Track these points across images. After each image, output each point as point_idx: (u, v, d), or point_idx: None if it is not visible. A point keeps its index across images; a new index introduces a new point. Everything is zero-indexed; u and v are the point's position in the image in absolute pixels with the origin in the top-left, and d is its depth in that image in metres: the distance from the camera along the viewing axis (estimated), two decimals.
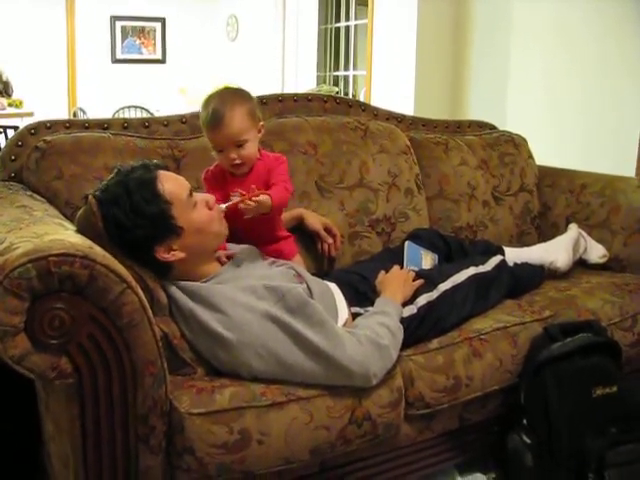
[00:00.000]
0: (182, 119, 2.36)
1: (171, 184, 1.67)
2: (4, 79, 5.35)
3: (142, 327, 1.39)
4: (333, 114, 2.61)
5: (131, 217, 1.59)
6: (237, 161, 1.91)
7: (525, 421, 1.97)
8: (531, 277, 2.40)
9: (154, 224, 1.62)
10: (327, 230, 2.26)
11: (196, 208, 1.70)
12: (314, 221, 2.25)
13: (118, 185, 1.63)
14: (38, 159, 2.01)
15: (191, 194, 1.71)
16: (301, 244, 2.22)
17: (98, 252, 1.36)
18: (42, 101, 6.18)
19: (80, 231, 1.56)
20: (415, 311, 1.94)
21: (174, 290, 1.66)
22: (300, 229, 2.25)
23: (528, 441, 1.96)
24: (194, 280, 1.70)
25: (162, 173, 1.68)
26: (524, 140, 3.08)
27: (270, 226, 2.03)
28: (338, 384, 1.66)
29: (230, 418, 1.53)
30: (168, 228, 1.64)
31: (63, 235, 1.39)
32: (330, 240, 2.25)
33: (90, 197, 1.59)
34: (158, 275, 1.67)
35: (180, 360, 1.62)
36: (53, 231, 1.43)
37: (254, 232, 1.96)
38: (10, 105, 5.17)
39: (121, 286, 1.35)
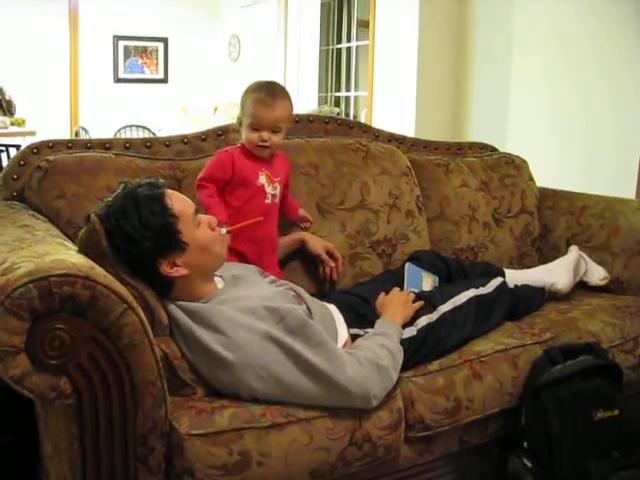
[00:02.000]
0: (184, 139, 2.38)
1: (178, 201, 1.69)
2: (7, 98, 5.38)
3: (143, 348, 1.39)
4: (334, 135, 2.62)
5: (138, 229, 1.60)
6: (267, 143, 2.07)
7: (526, 444, 1.96)
8: (532, 299, 2.39)
9: (160, 236, 1.62)
10: (329, 253, 2.26)
11: (200, 227, 1.72)
12: (316, 245, 2.26)
13: (126, 198, 1.64)
14: (40, 178, 2.02)
15: (196, 213, 1.73)
16: (302, 265, 2.22)
17: (100, 273, 1.36)
18: (44, 120, 6.21)
19: (82, 251, 1.56)
20: (415, 333, 1.94)
21: (175, 310, 1.66)
22: (301, 251, 2.26)
23: (529, 464, 1.95)
24: (194, 300, 1.70)
25: (169, 190, 1.71)
26: (525, 162, 3.09)
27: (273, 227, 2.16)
28: (338, 405, 1.65)
29: (230, 439, 1.52)
30: (173, 242, 1.65)
31: (65, 255, 1.39)
32: (332, 264, 2.27)
33: (92, 216, 1.60)
34: (160, 293, 1.67)
35: (180, 381, 1.62)
36: (55, 251, 1.44)
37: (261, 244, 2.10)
38: (12, 124, 5.19)
39: (122, 307, 1.35)
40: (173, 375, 1.60)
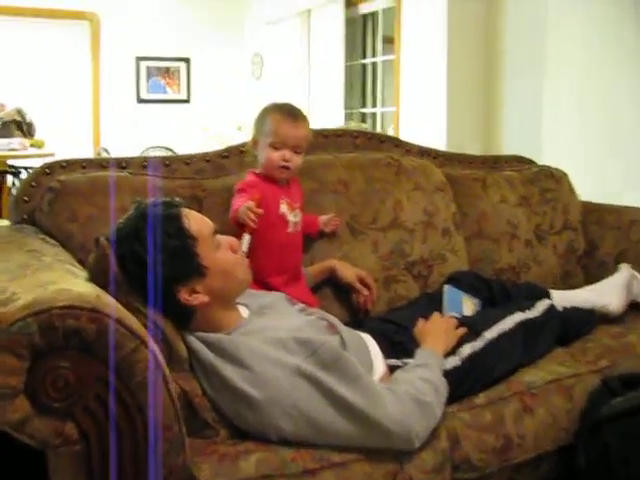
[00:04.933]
0: (205, 157, 2.25)
1: (196, 221, 1.56)
2: (27, 120, 5.32)
3: (157, 387, 1.24)
4: (364, 150, 2.47)
5: (153, 252, 1.46)
6: (288, 164, 1.97)
7: None
8: (582, 323, 2.21)
9: (177, 261, 1.49)
10: (362, 282, 2.11)
11: (220, 249, 1.58)
12: (347, 273, 2.10)
13: (139, 219, 1.51)
14: (51, 200, 1.90)
15: (215, 234, 1.59)
16: (332, 291, 2.08)
17: (108, 303, 1.21)
18: (66, 142, 6.14)
19: (91, 278, 1.42)
20: (459, 363, 1.77)
21: (194, 342, 1.52)
22: (331, 281, 2.13)
23: None
24: (216, 330, 1.55)
25: (186, 210, 1.58)
26: (565, 175, 2.92)
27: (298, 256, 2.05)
28: (376, 447, 1.49)
29: None
30: (192, 267, 1.52)
31: (70, 284, 1.25)
32: (366, 292, 2.10)
33: (101, 239, 1.46)
34: (178, 323, 1.53)
35: (201, 421, 1.46)
36: (60, 279, 1.30)
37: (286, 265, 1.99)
38: (32, 146, 5.12)
39: (134, 342, 1.20)
40: (193, 415, 1.45)
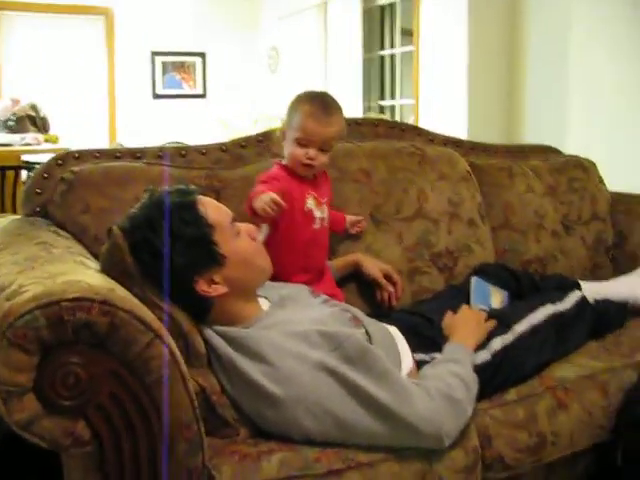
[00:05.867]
0: (222, 147, 2.17)
1: (213, 209, 1.49)
2: (42, 115, 5.27)
3: (174, 384, 1.17)
4: (385, 139, 2.39)
5: (168, 242, 1.40)
6: (313, 162, 1.84)
7: None
8: (615, 315, 2.12)
9: (194, 250, 1.42)
10: (387, 277, 2.02)
11: (240, 237, 1.51)
12: (372, 268, 2.02)
13: (153, 207, 1.44)
14: (64, 192, 1.83)
15: (234, 221, 1.52)
16: (356, 285, 2.02)
17: (121, 295, 1.14)
18: (81, 137, 6.09)
19: (104, 270, 1.35)
20: (489, 357, 1.69)
21: (213, 336, 1.45)
22: (355, 274, 2.05)
23: None
24: (235, 324, 1.48)
25: (202, 197, 1.51)
26: (593, 164, 2.83)
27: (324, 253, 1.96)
28: (405, 446, 1.41)
29: None
30: (210, 255, 1.45)
31: (81, 275, 1.18)
32: (391, 288, 2.02)
33: (114, 228, 1.39)
34: (196, 316, 1.46)
35: (220, 419, 1.39)
36: (70, 271, 1.23)
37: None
38: (46, 141, 5.07)
39: (148, 336, 1.13)
40: (212, 413, 1.38)
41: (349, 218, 2.08)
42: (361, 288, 2.05)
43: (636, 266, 2.44)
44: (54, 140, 5.23)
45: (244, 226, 1.55)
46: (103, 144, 6.78)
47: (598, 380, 1.79)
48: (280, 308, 1.56)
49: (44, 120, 5.31)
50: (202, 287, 1.44)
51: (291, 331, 1.43)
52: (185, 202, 1.45)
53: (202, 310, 1.47)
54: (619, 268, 2.63)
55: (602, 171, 2.84)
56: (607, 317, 2.08)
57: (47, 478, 1.66)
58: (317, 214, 1.90)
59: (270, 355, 1.38)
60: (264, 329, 1.45)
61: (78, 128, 6.54)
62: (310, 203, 1.88)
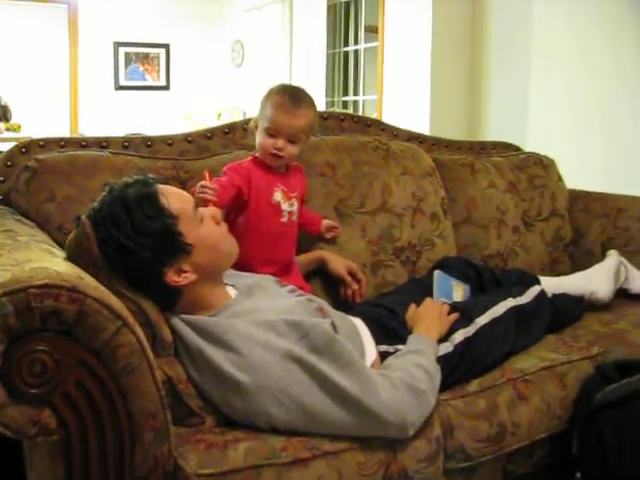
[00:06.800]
0: (188, 138, 2.17)
1: (174, 198, 1.48)
2: (2, 103, 5.18)
3: (141, 373, 1.18)
4: (350, 133, 2.40)
5: (133, 238, 1.39)
6: (281, 153, 1.87)
7: (579, 474, 1.74)
8: (571, 309, 2.18)
9: (161, 243, 1.42)
10: (351, 274, 2.04)
11: (204, 223, 1.51)
12: (337, 265, 2.04)
13: (114, 203, 1.42)
14: (28, 180, 1.80)
15: (196, 208, 1.52)
16: (321, 281, 2.04)
17: (89, 283, 1.14)
18: (43, 127, 6.01)
19: (71, 258, 1.35)
20: (451, 349, 1.72)
21: (180, 325, 1.45)
22: (320, 270, 2.07)
23: None
24: (202, 310, 1.49)
25: (162, 187, 1.49)
26: (553, 162, 2.88)
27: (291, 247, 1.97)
28: (370, 435, 1.43)
29: (245, 478, 1.30)
30: (177, 246, 1.44)
31: (48, 263, 1.18)
32: (355, 286, 2.04)
33: (83, 218, 1.38)
34: (164, 305, 1.46)
35: (186, 408, 1.40)
36: (37, 258, 1.22)
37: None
38: (8, 129, 4.99)
39: (116, 324, 1.13)
40: (178, 402, 1.38)
41: (325, 222, 2.10)
42: (326, 283, 2.07)
43: (592, 262, 2.48)
44: (16, 129, 5.16)
45: (207, 210, 1.55)
46: (65, 134, 6.70)
47: (557, 372, 1.82)
48: (247, 296, 1.57)
49: (5, 109, 5.24)
50: (172, 277, 1.44)
51: (259, 319, 1.44)
52: (146, 194, 1.44)
53: (170, 299, 1.47)
54: (576, 264, 2.68)
55: (561, 168, 2.89)
56: (565, 311, 2.13)
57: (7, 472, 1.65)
58: (285, 207, 1.91)
59: (237, 343, 1.39)
60: (231, 317, 1.46)
61: (40, 118, 6.45)
62: (277, 196, 1.90)
